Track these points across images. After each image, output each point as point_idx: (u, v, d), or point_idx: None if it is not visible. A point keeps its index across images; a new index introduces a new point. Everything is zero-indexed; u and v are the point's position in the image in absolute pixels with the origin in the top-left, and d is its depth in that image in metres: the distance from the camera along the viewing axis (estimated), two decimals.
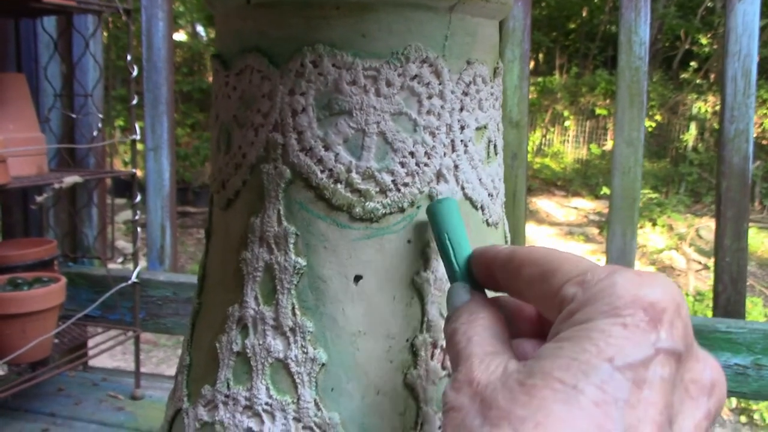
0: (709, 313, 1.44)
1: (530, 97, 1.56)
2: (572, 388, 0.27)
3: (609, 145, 8.52)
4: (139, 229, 1.45)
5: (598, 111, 8.74)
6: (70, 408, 1.39)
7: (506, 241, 0.51)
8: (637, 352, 0.27)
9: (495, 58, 0.48)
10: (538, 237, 6.42)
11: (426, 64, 0.42)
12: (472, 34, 0.45)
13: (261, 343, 0.42)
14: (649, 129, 7.98)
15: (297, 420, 0.41)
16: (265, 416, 0.42)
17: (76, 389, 1.48)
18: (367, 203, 0.42)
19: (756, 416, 3.31)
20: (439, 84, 0.43)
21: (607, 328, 0.28)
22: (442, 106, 0.43)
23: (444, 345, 0.42)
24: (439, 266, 0.43)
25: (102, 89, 1.60)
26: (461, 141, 0.44)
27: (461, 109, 0.44)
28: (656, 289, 0.29)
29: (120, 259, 1.77)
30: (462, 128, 0.44)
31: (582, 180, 8.20)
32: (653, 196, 7.22)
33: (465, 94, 0.44)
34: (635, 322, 0.28)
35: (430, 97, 0.43)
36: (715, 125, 8.05)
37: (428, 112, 0.43)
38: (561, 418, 0.26)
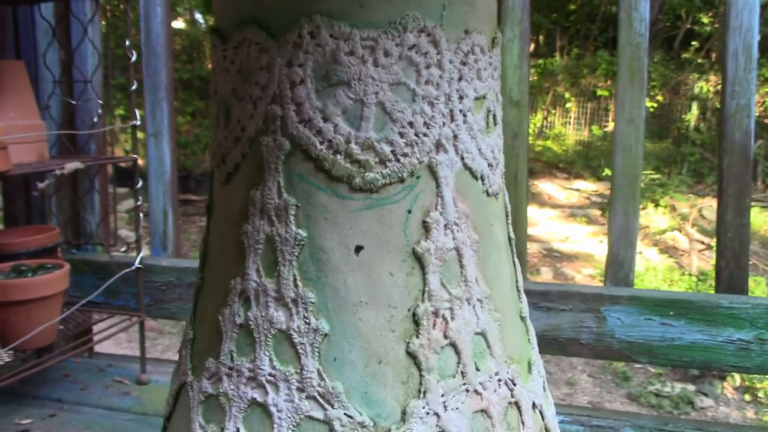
0: (712, 292, 1.44)
1: (531, 79, 1.56)
2: None
3: (611, 126, 8.49)
4: (141, 216, 1.45)
5: (599, 92, 8.70)
6: (77, 393, 1.40)
7: (506, 213, 0.51)
8: None
9: (493, 28, 0.48)
10: (540, 219, 6.41)
11: (424, 33, 0.42)
12: (471, 4, 0.44)
13: (263, 314, 0.43)
14: (651, 109, 7.95)
15: (300, 390, 0.41)
16: (269, 387, 0.42)
17: (82, 375, 1.49)
18: (366, 174, 0.42)
19: (760, 394, 3.32)
20: (438, 53, 0.43)
21: None
22: (440, 76, 0.43)
23: (445, 314, 0.42)
24: (439, 236, 0.43)
25: (101, 76, 1.60)
26: (460, 111, 0.44)
27: (460, 79, 0.44)
28: None
29: (123, 248, 1.77)
30: (461, 98, 0.44)
31: (584, 162, 8.18)
32: (655, 176, 7.20)
33: (463, 63, 0.44)
34: None
35: (428, 67, 0.42)
36: (717, 105, 8.01)
37: (427, 82, 0.43)
38: None
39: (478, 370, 0.44)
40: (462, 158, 0.44)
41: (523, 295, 0.51)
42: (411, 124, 0.42)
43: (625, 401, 3.30)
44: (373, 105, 0.42)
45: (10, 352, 1.31)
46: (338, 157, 0.42)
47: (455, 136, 0.44)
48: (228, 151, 0.46)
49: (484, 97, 0.46)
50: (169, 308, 1.56)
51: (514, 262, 0.51)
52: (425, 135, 0.43)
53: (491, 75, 0.47)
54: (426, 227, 0.43)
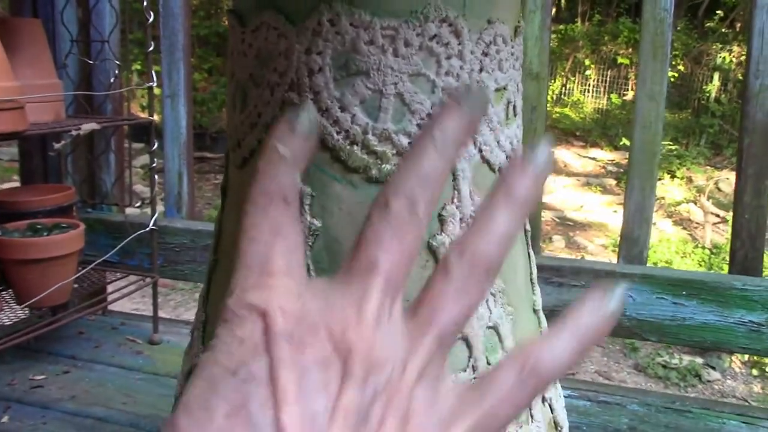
0: (725, 268, 1.43)
1: (551, 45, 1.54)
2: (205, 410, 0.27)
3: (630, 95, 8.39)
4: (156, 176, 1.45)
5: (620, 60, 8.58)
6: (90, 351, 1.42)
7: None
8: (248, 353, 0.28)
9: (516, 17, 0.47)
10: (554, 187, 6.39)
11: (445, 23, 0.41)
12: None
13: None
14: (672, 79, 7.84)
15: None
16: None
17: (96, 333, 1.51)
18: (383, 165, 0.41)
19: None
20: (459, 44, 0.42)
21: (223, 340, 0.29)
22: (461, 67, 0.42)
23: None
24: (455, 230, 0.43)
25: (119, 34, 1.59)
26: None
27: (480, 70, 0.43)
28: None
29: (138, 203, 1.78)
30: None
31: (601, 130, 8.10)
32: (673, 147, 7.13)
33: (485, 54, 0.43)
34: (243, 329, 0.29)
35: (449, 58, 0.42)
36: (739, 76, 7.89)
37: (447, 73, 0.42)
38: None
39: (489, 364, 0.44)
40: (480, 151, 0.44)
41: (537, 288, 0.50)
42: (430, 115, 0.42)
43: (633, 372, 3.31)
44: (392, 96, 0.41)
45: (26, 309, 1.33)
46: (355, 147, 0.41)
47: None
48: (244, 135, 0.46)
49: (504, 89, 0.46)
50: (183, 270, 1.57)
51: (528, 254, 0.51)
52: None
53: (512, 65, 0.46)
54: (441, 221, 0.43)
